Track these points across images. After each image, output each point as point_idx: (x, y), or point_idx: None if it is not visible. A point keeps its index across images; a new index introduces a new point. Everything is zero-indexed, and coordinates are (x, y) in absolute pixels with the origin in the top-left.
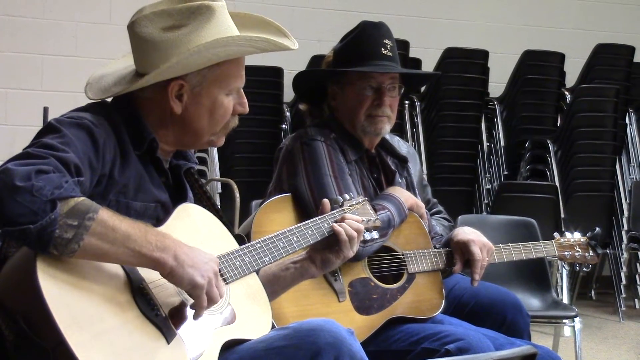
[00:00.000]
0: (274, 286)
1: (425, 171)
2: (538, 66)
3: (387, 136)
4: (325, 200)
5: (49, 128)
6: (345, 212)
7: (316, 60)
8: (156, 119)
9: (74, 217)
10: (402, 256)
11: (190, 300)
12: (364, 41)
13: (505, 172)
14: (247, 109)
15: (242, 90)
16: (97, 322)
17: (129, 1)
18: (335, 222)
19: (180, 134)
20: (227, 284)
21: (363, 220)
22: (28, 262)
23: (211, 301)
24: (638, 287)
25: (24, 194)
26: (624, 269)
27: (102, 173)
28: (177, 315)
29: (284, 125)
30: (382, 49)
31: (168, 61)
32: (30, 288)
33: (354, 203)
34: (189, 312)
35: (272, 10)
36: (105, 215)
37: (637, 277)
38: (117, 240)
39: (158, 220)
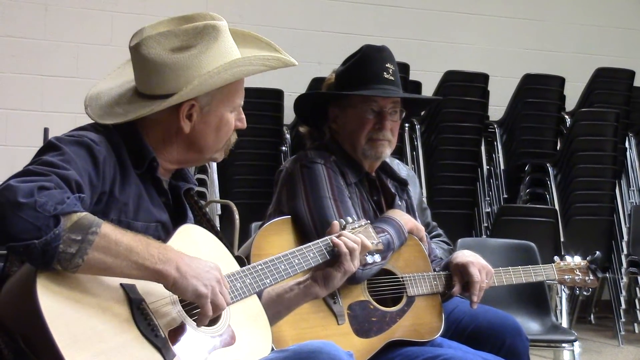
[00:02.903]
0: (278, 307)
1: (424, 194)
2: (538, 90)
3: (387, 159)
4: (335, 222)
5: (49, 146)
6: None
7: (316, 82)
8: (159, 138)
9: (78, 231)
10: (401, 279)
11: (189, 320)
12: (367, 65)
13: (505, 196)
14: (245, 125)
15: (240, 107)
16: (96, 342)
17: (130, 22)
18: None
19: (184, 152)
20: (228, 305)
21: None
22: (28, 280)
23: (217, 309)
24: (637, 311)
25: (27, 210)
26: (624, 293)
27: (103, 190)
28: (176, 336)
29: (284, 148)
30: (385, 73)
31: (187, 82)
32: (29, 306)
33: (356, 226)
34: (189, 333)
35: (273, 32)
36: (108, 229)
37: (636, 301)
38: (120, 253)
39: (159, 241)
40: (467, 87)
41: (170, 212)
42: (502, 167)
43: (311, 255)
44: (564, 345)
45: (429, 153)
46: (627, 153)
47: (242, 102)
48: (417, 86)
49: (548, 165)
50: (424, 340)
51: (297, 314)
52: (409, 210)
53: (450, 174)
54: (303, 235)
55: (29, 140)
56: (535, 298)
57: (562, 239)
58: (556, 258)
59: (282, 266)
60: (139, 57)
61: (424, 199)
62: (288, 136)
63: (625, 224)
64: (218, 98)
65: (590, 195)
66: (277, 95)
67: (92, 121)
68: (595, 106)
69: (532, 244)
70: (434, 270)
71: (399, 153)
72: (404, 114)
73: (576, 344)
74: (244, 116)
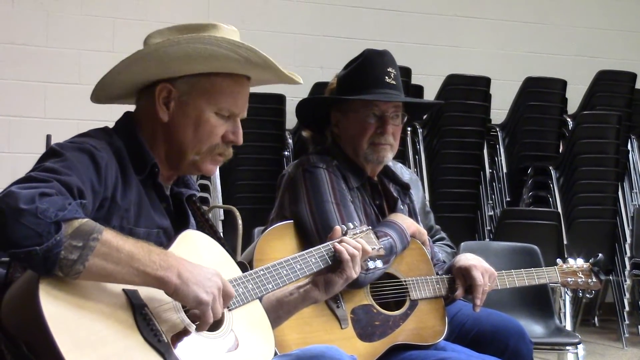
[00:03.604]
0: (278, 311)
1: (427, 198)
2: (540, 93)
3: (390, 163)
4: (337, 227)
5: (51, 152)
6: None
7: (319, 87)
8: (149, 132)
9: (79, 238)
10: (404, 283)
11: (192, 325)
12: (368, 69)
13: (508, 199)
14: (240, 140)
15: (238, 120)
16: (99, 348)
17: (132, 29)
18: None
19: (168, 149)
20: (230, 310)
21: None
22: (30, 286)
23: (217, 315)
24: None
25: (28, 216)
26: (627, 295)
27: (105, 196)
28: (179, 341)
29: (286, 152)
30: (386, 77)
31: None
32: (32, 313)
33: (357, 232)
34: (192, 338)
35: (276, 38)
36: (109, 235)
37: None
38: (121, 260)
39: (161, 247)
40: (469, 90)
41: (172, 219)
42: (504, 170)
43: (313, 260)
44: (567, 348)
45: (432, 157)
46: (630, 155)
47: (236, 112)
48: (419, 90)
49: (550, 168)
50: (428, 344)
51: (300, 318)
52: (412, 214)
53: (453, 177)
54: (305, 239)
55: (31, 147)
56: (538, 301)
57: (565, 242)
58: (559, 260)
59: (284, 271)
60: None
61: (427, 203)
62: (290, 141)
63: (628, 226)
64: (198, 89)
65: (593, 197)
66: (279, 100)
67: (94, 127)
68: (597, 109)
69: (535, 247)
70: (437, 274)
71: (401, 157)
72: (405, 118)
73: (580, 346)
74: (240, 131)
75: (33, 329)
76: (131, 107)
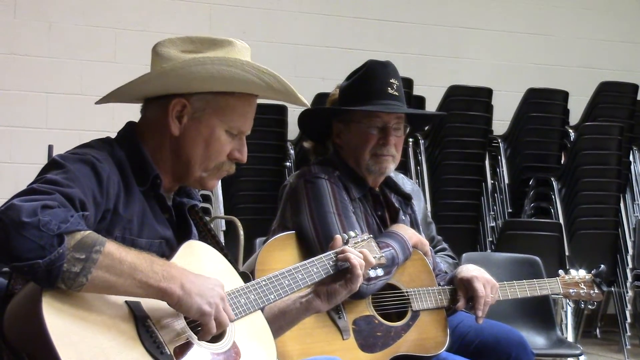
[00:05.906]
0: (280, 321)
1: (429, 209)
2: (542, 104)
3: (392, 174)
4: (338, 236)
5: (53, 164)
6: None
7: (320, 98)
8: (156, 144)
9: (82, 250)
10: (406, 294)
11: (195, 337)
12: (371, 80)
13: (510, 210)
14: (244, 158)
15: (244, 138)
16: None
17: (134, 40)
18: (338, 257)
19: (174, 162)
20: (232, 321)
21: None
22: (33, 299)
23: (220, 326)
24: None
25: (30, 229)
26: (629, 307)
27: (107, 208)
28: (182, 353)
29: (288, 163)
30: (389, 88)
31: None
32: (35, 325)
33: (359, 240)
34: (195, 350)
35: (277, 49)
36: (112, 247)
37: None
38: (124, 272)
39: (164, 257)
40: (471, 101)
41: (174, 229)
42: (506, 181)
43: (314, 270)
44: (569, 359)
45: (434, 168)
46: (632, 167)
47: (244, 130)
48: (420, 101)
49: (552, 179)
50: (429, 355)
51: (301, 329)
52: (413, 224)
53: (455, 188)
54: (307, 250)
55: (33, 158)
56: (540, 312)
57: (567, 253)
58: (561, 272)
59: (286, 281)
60: (154, 55)
61: (429, 214)
62: (292, 152)
63: (630, 237)
64: (212, 106)
65: (594, 209)
66: (280, 111)
67: (96, 137)
68: (599, 120)
69: (537, 258)
70: (439, 285)
71: (403, 168)
72: (408, 129)
73: (582, 358)
74: (245, 149)
75: (36, 342)
76: (128, 110)
